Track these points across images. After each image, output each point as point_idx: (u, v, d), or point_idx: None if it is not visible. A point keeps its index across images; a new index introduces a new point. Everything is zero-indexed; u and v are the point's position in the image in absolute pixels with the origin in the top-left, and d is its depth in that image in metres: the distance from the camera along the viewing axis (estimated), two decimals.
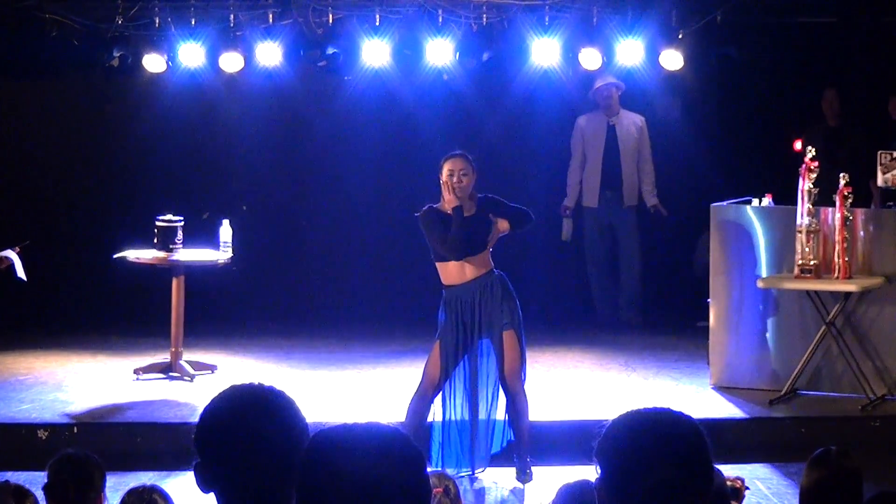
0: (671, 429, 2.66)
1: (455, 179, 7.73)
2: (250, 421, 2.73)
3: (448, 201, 7.75)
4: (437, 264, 7.88)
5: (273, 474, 2.71)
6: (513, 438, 7.89)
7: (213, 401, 2.79)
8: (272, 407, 2.76)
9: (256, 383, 2.82)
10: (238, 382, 2.84)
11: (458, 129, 12.03)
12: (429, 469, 2.83)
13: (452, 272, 7.79)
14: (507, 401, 7.83)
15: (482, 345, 7.83)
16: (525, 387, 7.84)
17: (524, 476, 7.81)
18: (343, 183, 12.19)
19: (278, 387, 2.82)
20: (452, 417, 7.85)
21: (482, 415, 7.89)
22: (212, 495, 2.77)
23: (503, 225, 7.82)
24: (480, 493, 7.79)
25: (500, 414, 7.91)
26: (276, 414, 2.75)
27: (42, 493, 4.74)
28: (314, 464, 2.45)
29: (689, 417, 2.70)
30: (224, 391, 2.81)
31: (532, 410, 8.91)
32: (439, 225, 7.74)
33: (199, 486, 2.76)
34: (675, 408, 2.73)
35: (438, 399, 7.85)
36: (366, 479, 2.40)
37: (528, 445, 7.82)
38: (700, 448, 2.65)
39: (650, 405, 2.72)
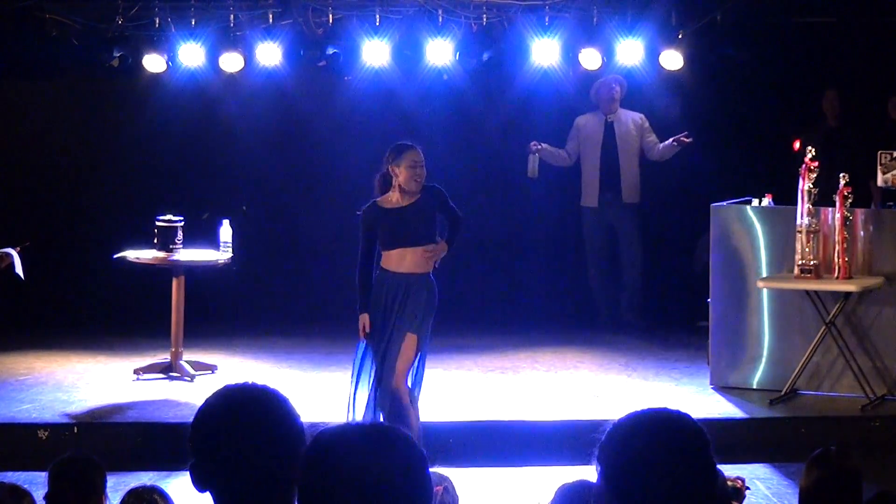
0: (671, 429, 2.66)
1: (418, 171, 7.76)
2: (244, 420, 2.74)
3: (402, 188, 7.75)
4: (383, 251, 7.85)
5: (267, 473, 2.72)
6: None
7: (206, 401, 2.81)
8: (266, 406, 2.77)
9: (250, 383, 2.83)
10: (231, 382, 2.85)
11: (458, 129, 12.04)
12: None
13: (393, 259, 7.79)
14: (380, 395, 7.76)
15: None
16: (404, 390, 7.77)
17: None
18: (343, 183, 12.17)
19: (273, 386, 2.83)
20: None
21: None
22: (209, 495, 2.78)
23: (443, 247, 7.82)
24: (473, 493, 7.79)
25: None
26: (270, 413, 2.76)
27: (43, 501, 4.72)
28: (316, 463, 2.46)
29: (688, 417, 2.69)
30: (218, 391, 2.82)
31: (532, 410, 8.92)
32: (376, 223, 7.72)
33: (194, 485, 2.77)
34: (676, 408, 2.72)
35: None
36: (368, 478, 2.41)
37: None
38: (700, 448, 2.65)
39: (649, 406, 2.71)
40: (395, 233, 7.75)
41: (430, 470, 2.29)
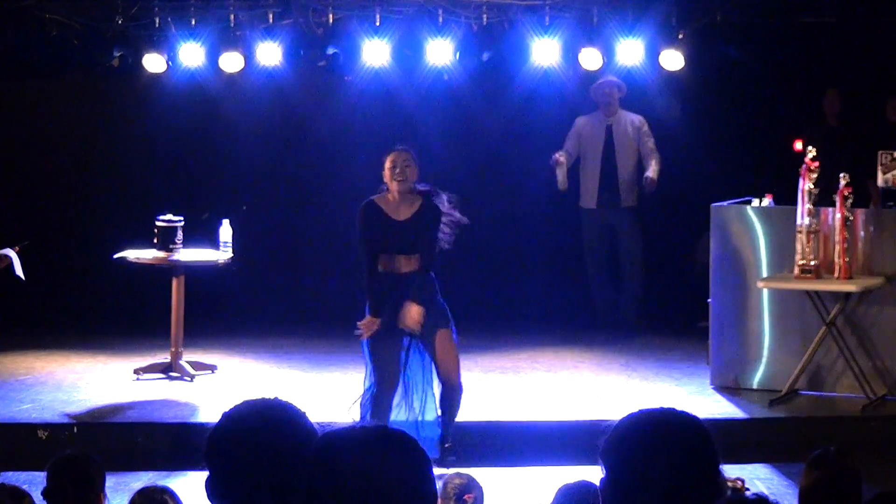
0: (676, 428, 2.67)
1: (398, 171, 7.83)
2: (261, 436, 2.75)
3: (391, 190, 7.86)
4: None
5: (284, 489, 2.72)
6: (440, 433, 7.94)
7: (224, 414, 2.82)
8: (283, 423, 2.78)
9: (269, 398, 2.83)
10: (252, 398, 2.86)
11: (458, 129, 12.04)
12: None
13: (384, 263, 7.85)
14: (443, 392, 7.86)
15: (411, 343, 7.86)
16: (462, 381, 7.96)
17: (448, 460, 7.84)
18: (342, 183, 12.18)
19: (283, 393, 2.83)
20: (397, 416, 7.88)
21: (419, 413, 7.92)
22: None
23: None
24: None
25: (430, 413, 7.97)
26: (288, 429, 2.77)
27: (41, 497, 4.72)
28: (321, 465, 2.47)
29: (693, 417, 2.70)
30: (236, 405, 2.83)
31: (532, 410, 8.93)
32: (371, 226, 7.81)
33: (209, 498, 2.78)
34: (679, 408, 2.73)
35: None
36: (374, 481, 2.43)
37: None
38: (704, 447, 2.65)
39: (655, 405, 2.72)
40: (391, 242, 7.81)
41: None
